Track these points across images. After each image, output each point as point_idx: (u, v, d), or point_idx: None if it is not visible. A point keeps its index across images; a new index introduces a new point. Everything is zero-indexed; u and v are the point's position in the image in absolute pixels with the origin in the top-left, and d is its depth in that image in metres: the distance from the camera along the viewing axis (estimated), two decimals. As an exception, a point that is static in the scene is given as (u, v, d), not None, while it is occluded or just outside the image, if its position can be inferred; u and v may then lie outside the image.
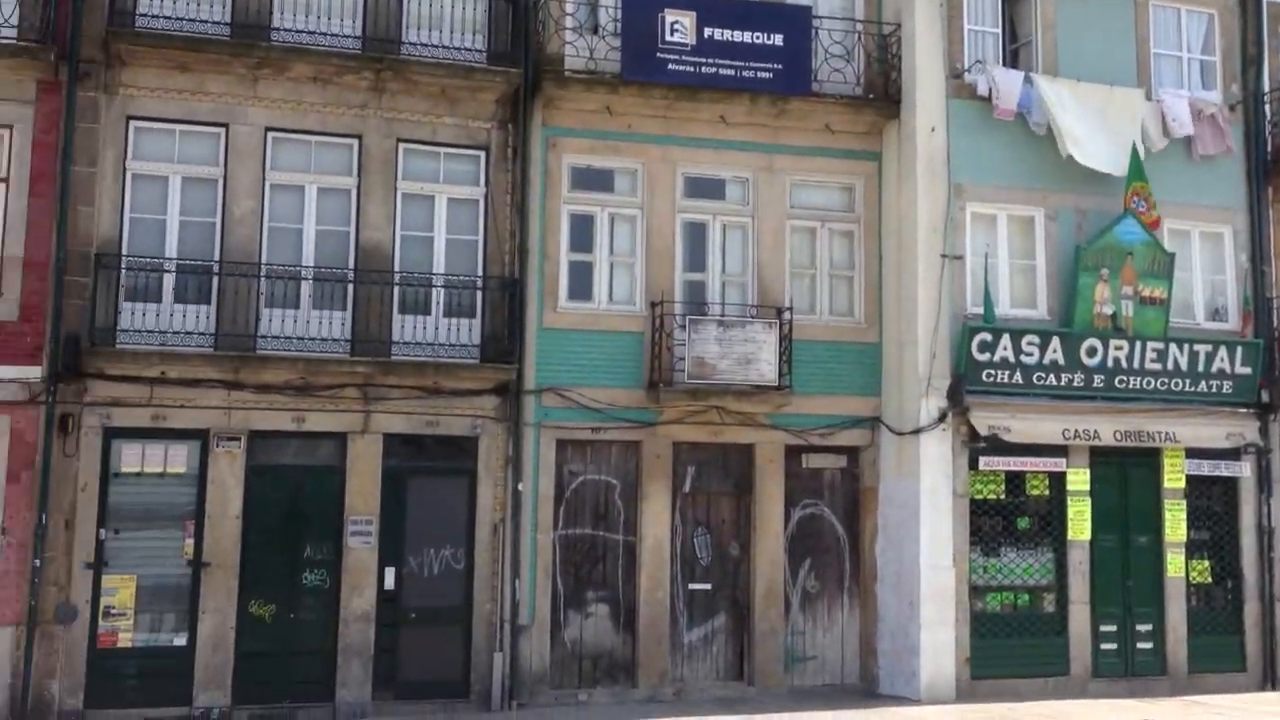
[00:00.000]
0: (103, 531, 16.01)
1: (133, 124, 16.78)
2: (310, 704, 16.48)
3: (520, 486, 17.47)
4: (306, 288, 17.06)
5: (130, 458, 16.25)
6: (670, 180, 18.73)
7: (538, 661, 17.36)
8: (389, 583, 16.97)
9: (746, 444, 18.62)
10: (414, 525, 17.23)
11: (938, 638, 18.00)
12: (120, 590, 16.00)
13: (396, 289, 17.37)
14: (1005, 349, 18.53)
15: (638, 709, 17.00)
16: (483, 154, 18.07)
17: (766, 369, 18.13)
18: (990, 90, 18.99)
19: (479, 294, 17.75)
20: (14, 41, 16.16)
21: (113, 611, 15.95)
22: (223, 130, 17.08)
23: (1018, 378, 18.60)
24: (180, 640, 16.15)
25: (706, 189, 19.05)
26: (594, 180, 18.55)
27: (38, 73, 16.26)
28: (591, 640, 17.82)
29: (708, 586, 18.40)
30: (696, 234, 18.90)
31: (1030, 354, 18.64)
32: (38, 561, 15.57)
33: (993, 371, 18.51)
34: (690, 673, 18.17)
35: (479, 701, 17.05)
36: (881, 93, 19.45)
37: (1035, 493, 19.16)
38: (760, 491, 18.59)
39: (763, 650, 18.32)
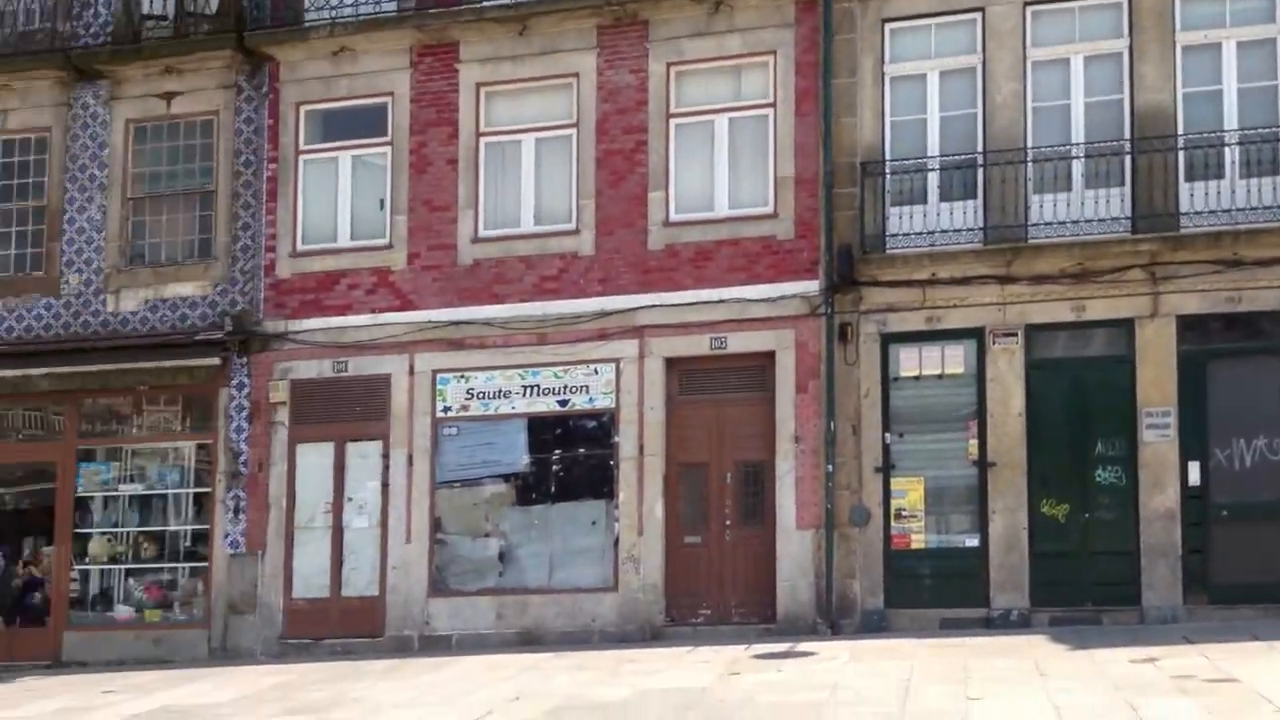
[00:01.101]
0: (887, 435, 16.23)
1: (887, 26, 16.72)
2: (1114, 607, 15.40)
3: (1348, 364, 14.89)
4: (1078, 167, 15.96)
5: (908, 361, 16.30)
6: None
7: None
8: (1193, 478, 15.34)
9: None
10: (1218, 414, 15.38)
11: None
12: (909, 492, 16.14)
13: (1181, 154, 15.60)
14: None
15: None
16: (1282, -15, 15.58)
17: None
18: None
19: (1281, 146, 15.36)
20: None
21: (904, 513, 16.13)
22: (978, 15, 16.45)
23: None
24: (971, 541, 15.90)
25: None
26: None
27: (796, -7, 16.81)
28: None
29: None
30: None
31: None
32: (830, 467, 16.19)
33: None
34: None
35: (1310, 610, 14.87)
36: None
37: None
38: None
39: None
